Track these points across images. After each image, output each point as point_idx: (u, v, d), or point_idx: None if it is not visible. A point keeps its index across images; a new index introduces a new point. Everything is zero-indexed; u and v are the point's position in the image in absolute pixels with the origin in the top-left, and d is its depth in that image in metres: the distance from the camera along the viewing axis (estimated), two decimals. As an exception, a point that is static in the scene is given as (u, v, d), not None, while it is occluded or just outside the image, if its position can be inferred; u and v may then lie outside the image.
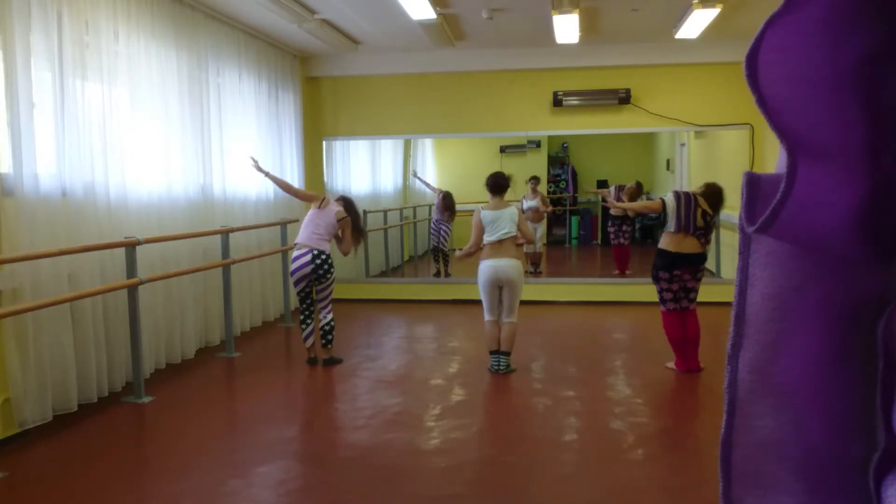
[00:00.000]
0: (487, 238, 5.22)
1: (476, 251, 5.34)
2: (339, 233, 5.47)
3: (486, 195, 5.37)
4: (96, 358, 4.50)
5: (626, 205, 5.81)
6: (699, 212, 4.94)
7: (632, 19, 6.69)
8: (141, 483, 3.44)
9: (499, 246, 5.17)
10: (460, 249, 5.53)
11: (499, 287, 5.18)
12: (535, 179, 9.04)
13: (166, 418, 4.38)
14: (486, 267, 5.18)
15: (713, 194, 5.02)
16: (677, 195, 5.02)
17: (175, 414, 4.46)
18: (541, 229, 8.92)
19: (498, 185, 5.29)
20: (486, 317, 5.29)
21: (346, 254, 5.61)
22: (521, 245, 5.40)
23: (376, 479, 3.40)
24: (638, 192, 9.20)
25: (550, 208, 9.64)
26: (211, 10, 6.04)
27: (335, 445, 3.97)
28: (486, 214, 5.24)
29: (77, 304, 4.34)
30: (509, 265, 5.13)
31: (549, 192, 11.30)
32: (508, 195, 5.43)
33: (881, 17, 0.56)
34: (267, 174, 5.68)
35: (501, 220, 5.17)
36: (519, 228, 5.25)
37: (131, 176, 4.98)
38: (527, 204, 8.82)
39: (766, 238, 0.68)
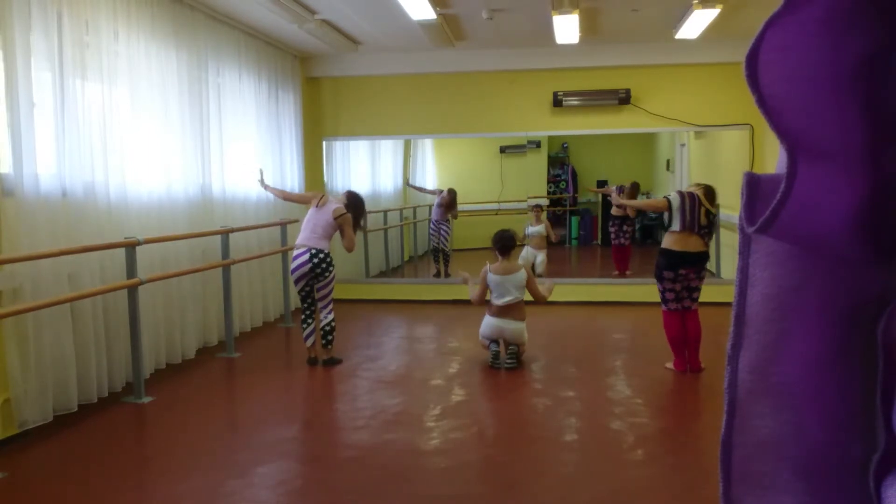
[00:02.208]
0: (493, 300, 5.35)
1: (481, 300, 5.49)
2: (340, 230, 5.44)
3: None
4: (96, 358, 4.50)
5: (632, 202, 5.82)
6: (703, 210, 4.97)
7: (632, 19, 6.69)
8: (141, 483, 3.44)
9: (506, 309, 5.31)
10: (468, 282, 5.63)
11: (501, 339, 5.38)
12: (538, 207, 8.99)
13: (166, 418, 4.38)
14: (491, 324, 5.35)
15: (710, 193, 5.05)
16: (681, 195, 5.05)
17: (175, 414, 4.46)
18: (541, 256, 8.91)
19: (505, 247, 5.38)
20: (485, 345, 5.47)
21: (349, 251, 5.55)
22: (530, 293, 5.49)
23: (376, 479, 3.40)
24: (633, 192, 9.18)
25: (556, 237, 9.58)
26: (211, 10, 6.04)
27: (335, 445, 3.97)
28: (493, 277, 5.34)
29: (77, 304, 4.34)
30: (515, 327, 5.31)
31: (548, 192, 11.30)
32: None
33: (881, 16, 0.56)
34: (267, 187, 5.95)
35: (507, 286, 5.29)
36: (531, 292, 5.39)
37: (131, 176, 4.97)
38: (530, 230, 8.80)
39: (766, 238, 0.68)
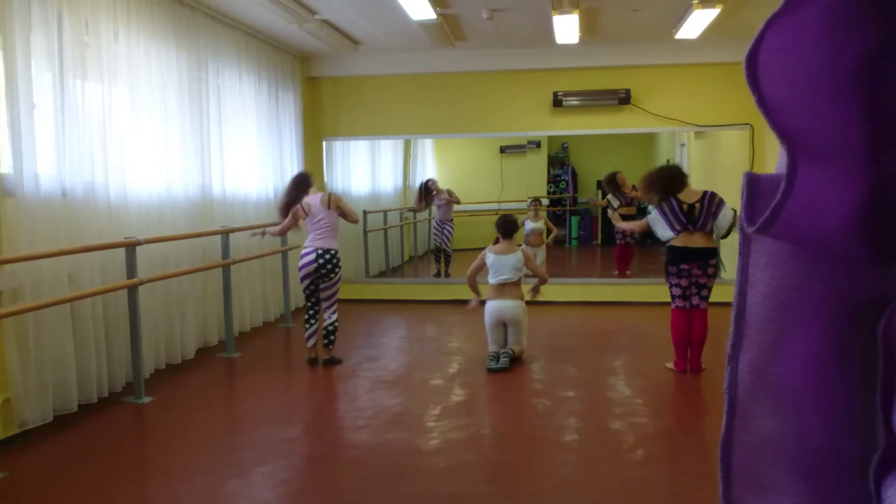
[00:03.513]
0: (490, 280, 5.51)
1: (473, 277, 5.65)
2: (339, 211, 5.41)
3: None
4: (96, 358, 4.50)
5: (628, 225, 5.92)
6: (684, 207, 4.97)
7: (632, 19, 6.69)
8: (141, 483, 3.44)
9: (501, 288, 5.47)
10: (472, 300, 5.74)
11: (503, 324, 5.44)
12: (536, 201, 8.82)
13: (166, 418, 4.38)
14: (491, 307, 5.47)
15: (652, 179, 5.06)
16: (661, 208, 5.06)
17: (175, 414, 4.46)
18: (541, 255, 8.83)
19: (508, 231, 5.56)
20: (490, 348, 5.49)
21: (357, 222, 5.63)
22: (525, 280, 5.62)
23: (376, 479, 3.40)
24: (615, 183, 9.08)
25: (555, 233, 9.55)
26: (211, 10, 6.04)
27: (335, 445, 3.97)
28: (490, 257, 5.52)
29: (77, 305, 4.34)
30: (513, 305, 5.41)
31: (548, 192, 11.30)
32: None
33: (881, 15, 0.55)
34: (265, 234, 5.82)
35: (504, 266, 5.45)
36: (531, 270, 5.61)
37: (131, 176, 4.97)
38: (529, 226, 8.73)
39: (766, 238, 0.68)
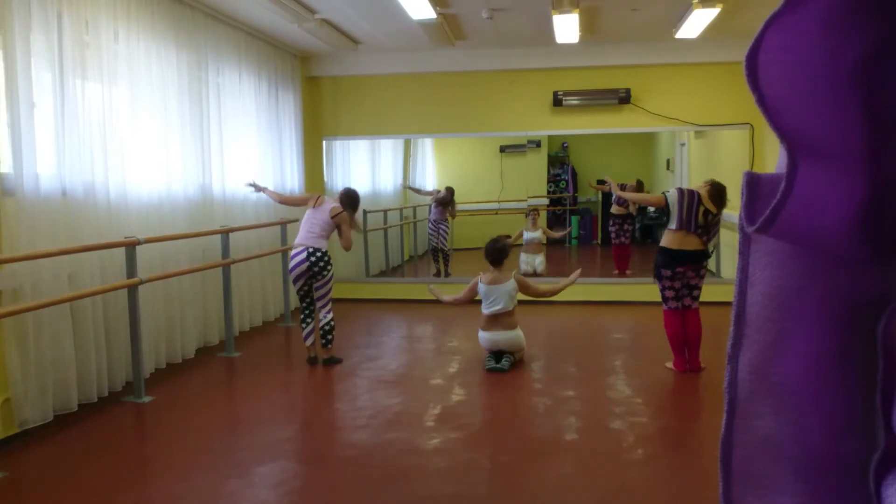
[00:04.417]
0: (483, 309, 5.37)
1: (456, 305, 5.65)
2: (338, 229, 5.44)
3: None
4: (96, 358, 4.50)
5: (629, 195, 5.94)
6: (701, 210, 4.94)
7: (632, 19, 6.69)
8: (141, 483, 3.44)
9: (494, 319, 5.31)
10: (446, 294, 5.71)
11: (499, 351, 5.36)
12: (534, 212, 9.03)
13: (166, 418, 4.38)
14: (485, 340, 5.38)
15: (717, 192, 5.00)
16: (680, 192, 5.02)
17: (175, 414, 4.46)
18: (540, 257, 8.95)
19: (497, 259, 5.38)
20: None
21: (346, 249, 5.57)
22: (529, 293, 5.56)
23: (376, 479, 3.40)
24: (639, 190, 9.22)
25: (560, 234, 9.81)
26: (211, 10, 6.04)
27: (335, 445, 3.97)
28: (482, 287, 5.36)
29: (77, 304, 4.34)
30: (508, 337, 5.31)
31: (548, 192, 11.29)
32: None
33: (881, 14, 0.55)
34: (264, 190, 5.90)
35: (498, 295, 5.29)
36: (532, 294, 5.50)
37: (131, 176, 4.97)
38: (527, 235, 8.82)
39: (766, 238, 0.68)
